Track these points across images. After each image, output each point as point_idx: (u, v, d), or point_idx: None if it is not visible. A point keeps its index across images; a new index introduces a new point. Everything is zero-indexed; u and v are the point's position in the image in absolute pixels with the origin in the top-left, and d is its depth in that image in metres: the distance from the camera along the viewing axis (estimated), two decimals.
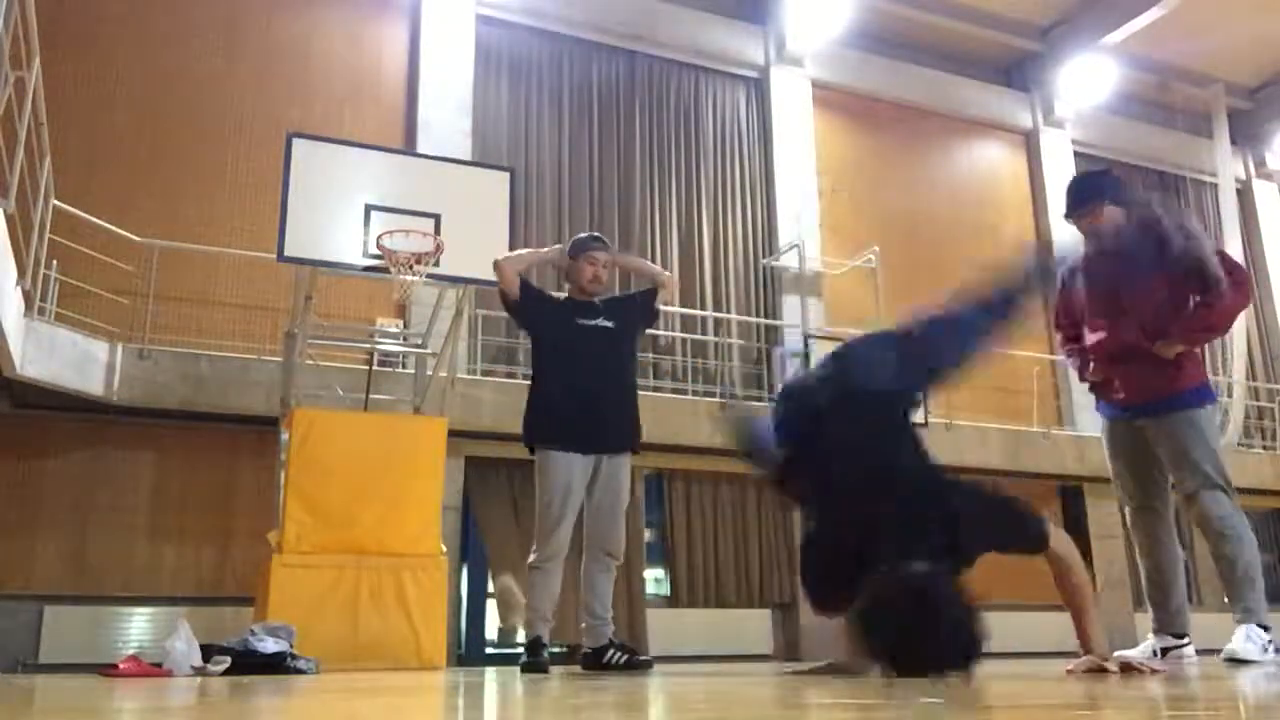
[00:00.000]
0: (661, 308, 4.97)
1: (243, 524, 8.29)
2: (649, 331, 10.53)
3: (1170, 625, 4.24)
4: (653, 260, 11.19)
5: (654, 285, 4.94)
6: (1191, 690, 2.33)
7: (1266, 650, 3.82)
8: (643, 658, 4.64)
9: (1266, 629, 3.89)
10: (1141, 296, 4.20)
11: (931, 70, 13.49)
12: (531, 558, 4.47)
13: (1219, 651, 3.93)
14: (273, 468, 7.36)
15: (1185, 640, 4.22)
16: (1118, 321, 4.27)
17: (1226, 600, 4.06)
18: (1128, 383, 4.27)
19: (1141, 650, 4.18)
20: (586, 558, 4.57)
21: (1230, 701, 1.92)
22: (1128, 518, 4.46)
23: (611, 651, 4.42)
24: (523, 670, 4.30)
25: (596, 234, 5.04)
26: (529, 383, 4.78)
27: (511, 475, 9.32)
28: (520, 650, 4.62)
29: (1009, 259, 3.74)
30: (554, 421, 4.49)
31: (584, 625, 4.56)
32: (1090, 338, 4.41)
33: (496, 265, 4.77)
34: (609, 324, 4.63)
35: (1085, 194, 4.36)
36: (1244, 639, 3.82)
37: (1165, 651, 4.21)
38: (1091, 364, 4.43)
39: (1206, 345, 4.38)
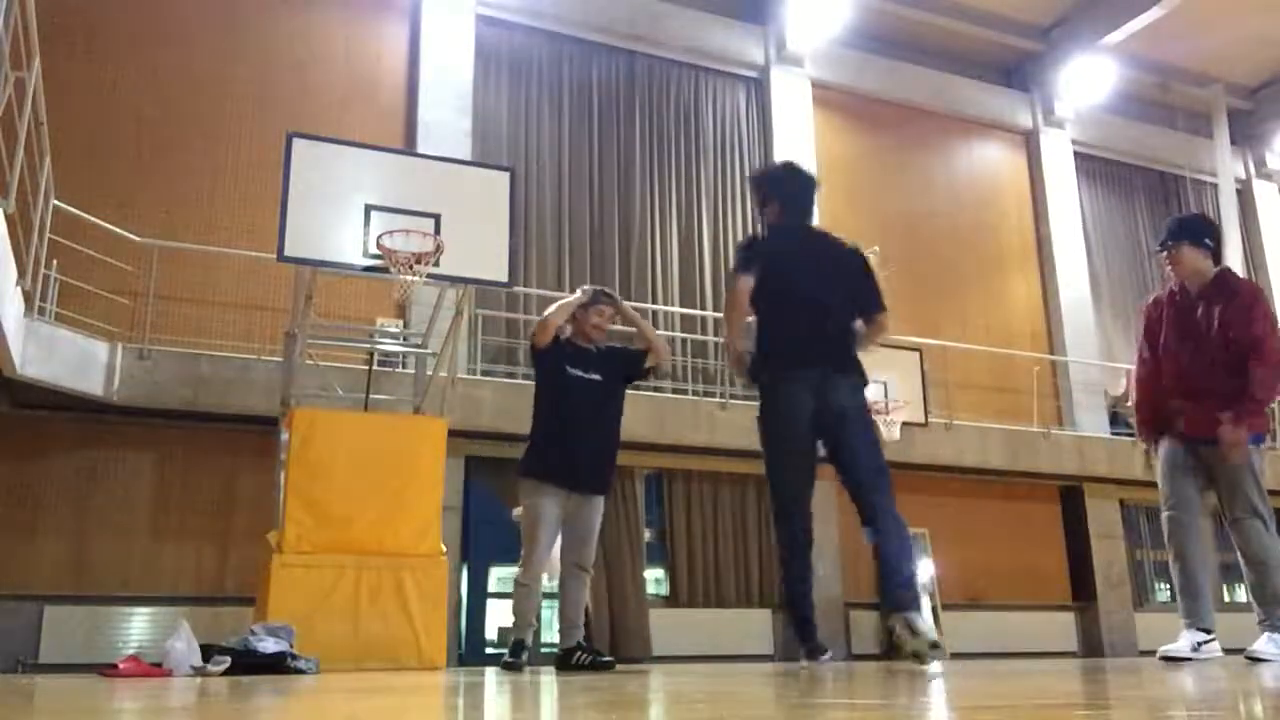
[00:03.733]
0: (649, 371, 5.34)
1: (243, 524, 8.28)
2: None
3: (1199, 621, 4.53)
4: (653, 261, 11.20)
5: (648, 349, 5.31)
6: (1200, 689, 2.33)
7: None
8: (606, 658, 5.11)
9: None
10: (1212, 340, 4.53)
11: (931, 70, 13.49)
12: (518, 575, 5.05)
13: (1241, 650, 4.36)
14: (273, 468, 7.36)
15: (1212, 636, 4.52)
16: (1191, 358, 4.60)
17: (1255, 610, 4.41)
18: (1195, 416, 4.57)
19: (1181, 645, 4.47)
20: (563, 572, 5.14)
21: (1232, 700, 1.92)
22: (1164, 524, 4.74)
23: (579, 653, 4.94)
24: (503, 668, 4.87)
25: (607, 290, 5.41)
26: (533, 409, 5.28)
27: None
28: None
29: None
30: (542, 461, 5.07)
31: (558, 628, 5.12)
32: (1166, 368, 4.72)
33: (544, 323, 5.17)
34: (597, 377, 5.10)
35: (1167, 233, 4.70)
36: (1267, 641, 4.22)
37: (1199, 645, 4.48)
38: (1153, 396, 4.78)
39: None
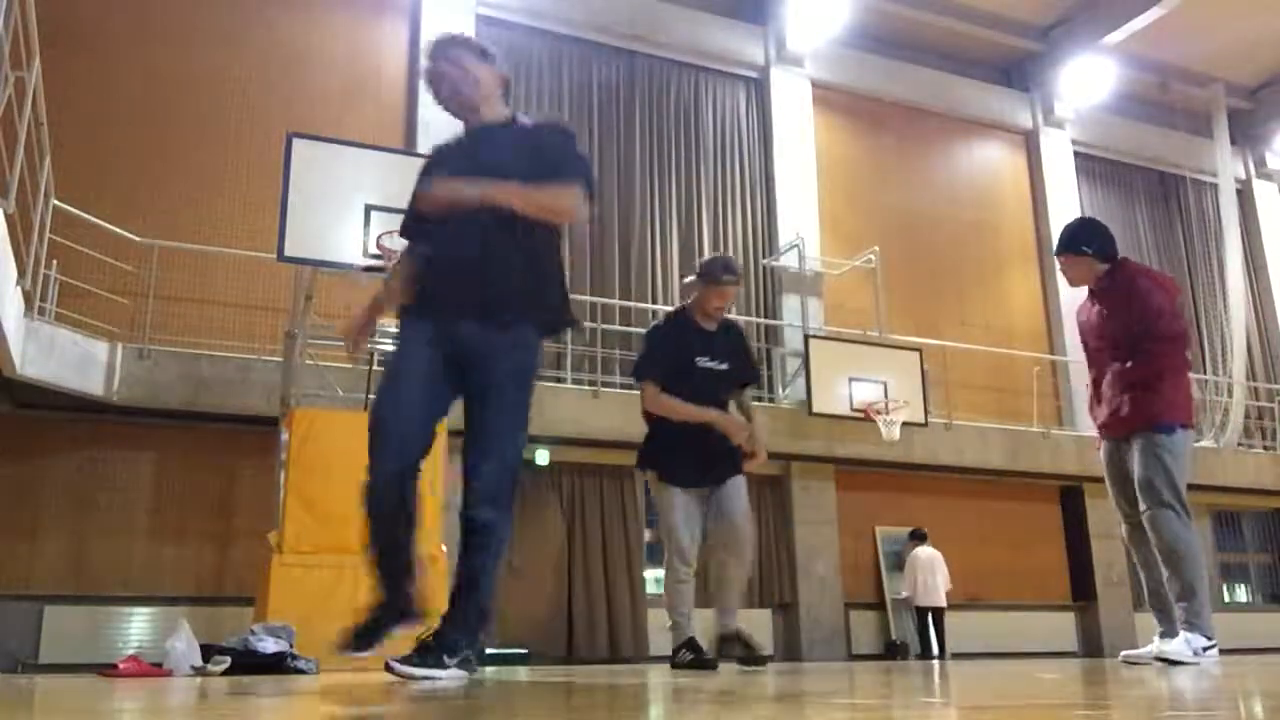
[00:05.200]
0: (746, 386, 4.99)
1: (243, 524, 8.29)
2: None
3: (1171, 629, 4.44)
4: (653, 261, 11.20)
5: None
6: (1200, 689, 2.33)
7: (1198, 655, 4.13)
8: (706, 657, 4.68)
9: (1209, 638, 4.20)
10: (1113, 336, 4.55)
11: (931, 70, 13.50)
12: (668, 574, 4.67)
13: (1224, 652, 4.16)
14: (273, 468, 7.36)
15: None
16: (1100, 358, 4.63)
17: (1175, 606, 4.33)
18: (1106, 415, 4.59)
19: (1146, 651, 4.41)
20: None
21: (1230, 702, 1.92)
22: (1124, 534, 4.67)
23: (682, 650, 4.60)
24: (691, 667, 4.48)
25: (730, 262, 4.88)
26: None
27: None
28: (520, 651, 4.77)
29: None
30: (670, 460, 4.68)
31: (672, 622, 4.69)
32: (1091, 371, 4.77)
33: (662, 407, 4.68)
34: (723, 366, 4.71)
35: (1057, 246, 4.75)
36: (1182, 642, 4.18)
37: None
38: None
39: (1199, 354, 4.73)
